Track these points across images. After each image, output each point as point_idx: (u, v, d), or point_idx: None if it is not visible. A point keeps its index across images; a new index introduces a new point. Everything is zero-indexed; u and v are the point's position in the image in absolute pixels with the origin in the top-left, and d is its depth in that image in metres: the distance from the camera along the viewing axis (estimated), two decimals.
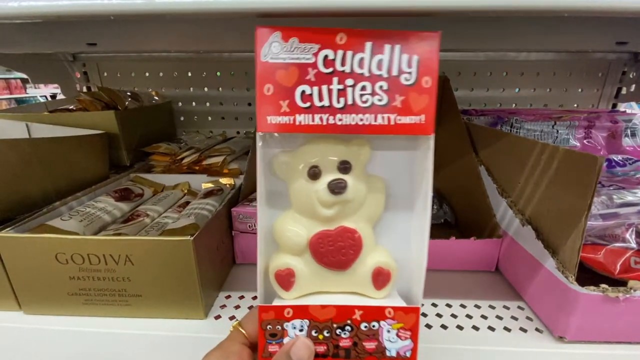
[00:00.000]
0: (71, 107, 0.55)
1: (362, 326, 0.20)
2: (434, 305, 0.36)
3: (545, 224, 0.33)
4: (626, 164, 0.52)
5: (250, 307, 0.36)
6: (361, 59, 0.18)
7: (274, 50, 0.18)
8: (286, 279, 0.22)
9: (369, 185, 0.21)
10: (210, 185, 0.51)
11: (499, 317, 0.34)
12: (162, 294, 0.33)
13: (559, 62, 0.66)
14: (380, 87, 0.19)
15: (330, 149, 0.21)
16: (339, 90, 0.18)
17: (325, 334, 0.20)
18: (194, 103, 0.74)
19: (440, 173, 0.62)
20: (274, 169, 0.21)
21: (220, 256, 0.38)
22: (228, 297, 0.37)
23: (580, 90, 0.68)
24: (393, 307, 0.20)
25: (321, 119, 0.18)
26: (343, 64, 0.18)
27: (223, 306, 0.36)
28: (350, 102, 0.19)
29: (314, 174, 0.20)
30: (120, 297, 0.33)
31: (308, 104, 0.18)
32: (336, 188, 0.20)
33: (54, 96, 0.88)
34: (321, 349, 0.20)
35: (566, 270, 0.30)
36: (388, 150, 0.21)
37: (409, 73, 0.19)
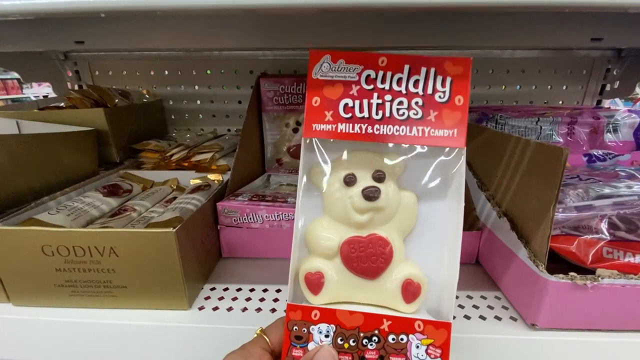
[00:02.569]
0: (61, 104, 0.56)
1: (390, 338, 0.20)
2: None
3: (519, 216, 0.34)
4: (606, 158, 0.53)
5: (234, 299, 0.37)
6: (399, 79, 0.20)
7: (324, 69, 0.21)
8: (316, 282, 0.22)
9: (401, 199, 0.22)
10: (198, 181, 0.52)
11: (476, 307, 0.35)
12: (146, 286, 0.34)
13: (543, 60, 0.67)
14: (416, 102, 0.20)
15: (365, 160, 0.22)
16: (378, 104, 0.20)
17: (352, 342, 0.20)
18: (184, 101, 0.75)
19: None
20: (311, 177, 0.22)
21: (205, 249, 0.39)
22: (213, 289, 0.38)
23: (565, 87, 0.69)
24: (423, 320, 0.20)
25: (360, 128, 0.20)
26: (383, 82, 0.20)
27: (207, 297, 0.37)
28: (387, 114, 0.20)
29: (349, 180, 0.21)
30: (105, 289, 0.34)
31: (349, 115, 0.20)
32: (370, 194, 0.21)
33: (47, 96, 0.88)
34: (346, 359, 0.20)
35: (537, 259, 0.31)
36: (420, 165, 0.22)
37: (443, 92, 0.20)
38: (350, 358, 0.20)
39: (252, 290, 0.38)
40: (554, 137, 0.60)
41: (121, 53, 0.70)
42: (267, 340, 0.22)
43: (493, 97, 0.70)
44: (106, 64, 0.72)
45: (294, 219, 0.39)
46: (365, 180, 0.21)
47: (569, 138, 0.60)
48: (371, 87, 0.20)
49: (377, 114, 0.20)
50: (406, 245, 0.22)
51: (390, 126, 0.20)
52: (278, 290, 0.38)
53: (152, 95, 0.72)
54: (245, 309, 0.35)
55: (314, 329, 0.20)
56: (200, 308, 0.35)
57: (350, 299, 0.22)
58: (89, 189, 0.47)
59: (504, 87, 0.70)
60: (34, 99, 0.95)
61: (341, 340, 0.20)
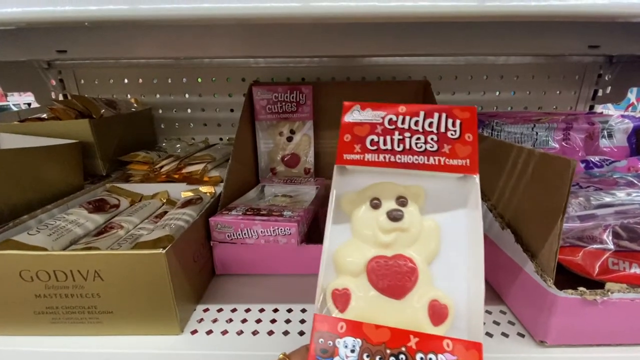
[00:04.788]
0: (43, 116, 0.53)
1: (418, 357, 0.19)
2: None
3: (524, 228, 0.33)
4: (603, 164, 0.53)
5: (229, 321, 0.35)
6: (416, 121, 0.24)
7: (354, 115, 0.25)
8: (342, 298, 0.22)
9: (424, 226, 0.23)
10: (189, 194, 0.50)
11: None
12: (134, 310, 0.32)
13: (536, 66, 0.67)
14: (432, 138, 0.23)
15: (389, 188, 0.24)
16: (399, 139, 0.24)
17: (377, 359, 0.19)
18: (174, 110, 0.73)
19: None
20: (341, 204, 0.25)
21: (197, 268, 0.37)
22: (206, 310, 0.36)
23: (558, 92, 0.69)
24: (452, 339, 0.19)
25: (384, 157, 0.23)
26: (402, 123, 0.24)
27: (200, 320, 0.35)
28: (407, 147, 0.23)
29: (375, 205, 0.24)
30: (90, 315, 0.32)
31: (375, 147, 0.24)
32: (394, 215, 0.23)
33: (30, 105, 0.85)
34: None
35: (544, 273, 0.30)
36: (439, 192, 0.24)
37: (454, 130, 0.23)
38: None
39: (247, 310, 0.36)
40: (549, 143, 0.60)
41: (107, 61, 0.68)
42: None
43: (488, 103, 0.70)
44: (92, 72, 0.69)
45: (291, 234, 0.38)
46: (389, 204, 0.24)
47: (564, 144, 0.60)
48: (393, 127, 0.24)
49: (398, 146, 0.23)
50: (432, 271, 0.23)
51: (410, 156, 0.23)
52: (275, 310, 0.36)
53: (140, 104, 0.70)
54: (241, 332, 0.33)
55: (340, 343, 0.20)
56: (193, 332, 0.33)
57: (376, 320, 0.21)
58: (72, 205, 0.45)
59: (498, 92, 0.70)
60: (14, 107, 0.91)
61: (367, 356, 0.20)
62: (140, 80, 0.71)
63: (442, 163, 0.23)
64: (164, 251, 0.29)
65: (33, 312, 0.31)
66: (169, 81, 0.70)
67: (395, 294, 0.22)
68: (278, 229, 0.39)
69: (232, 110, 0.73)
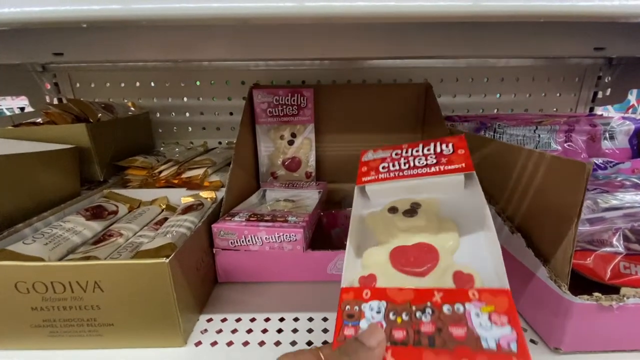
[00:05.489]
0: (38, 120, 0.52)
1: (445, 309, 0.18)
2: None
3: (535, 232, 0.33)
4: (607, 166, 0.53)
5: (234, 331, 0.33)
6: (417, 150, 0.30)
7: (369, 155, 0.32)
8: (368, 280, 0.23)
9: (442, 225, 0.26)
10: (190, 199, 0.49)
11: None
12: (136, 322, 0.30)
13: (537, 68, 0.67)
14: (430, 156, 0.28)
15: (405, 199, 0.28)
16: (404, 162, 0.29)
17: (404, 317, 0.19)
18: (173, 113, 0.72)
19: None
20: (366, 222, 0.28)
21: (200, 276, 0.36)
22: (209, 320, 0.35)
23: (558, 94, 0.69)
24: (478, 289, 0.19)
25: (394, 173, 0.28)
26: (406, 153, 0.30)
27: (204, 331, 0.33)
28: (412, 165, 0.28)
29: (393, 209, 0.28)
30: (89, 327, 0.30)
31: (386, 170, 0.29)
32: (408, 213, 0.27)
33: (23, 109, 0.83)
34: (400, 334, 0.18)
35: (558, 279, 0.29)
36: (449, 197, 0.28)
37: (448, 149, 0.28)
38: (404, 333, 0.18)
39: (252, 320, 0.35)
40: (552, 145, 0.60)
41: (104, 64, 0.67)
42: (322, 355, 0.20)
43: (489, 106, 0.70)
44: (88, 75, 0.68)
45: (296, 240, 0.37)
46: (405, 208, 0.28)
47: (566, 146, 0.60)
48: (398, 156, 0.30)
49: (404, 165, 0.28)
50: (454, 256, 0.24)
51: (415, 170, 0.28)
52: (281, 319, 0.35)
53: (137, 108, 0.69)
54: (246, 343, 0.32)
55: (365, 307, 0.20)
56: (197, 344, 0.32)
57: None
58: (69, 212, 0.43)
59: (499, 95, 0.70)
60: (6, 112, 0.90)
61: (393, 315, 0.19)
62: (138, 84, 0.69)
63: (442, 169, 0.27)
64: (167, 261, 0.28)
65: (30, 326, 0.30)
66: (167, 84, 0.69)
67: (419, 273, 0.22)
68: (283, 235, 0.38)
69: (231, 114, 0.72)
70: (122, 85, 0.69)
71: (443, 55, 0.63)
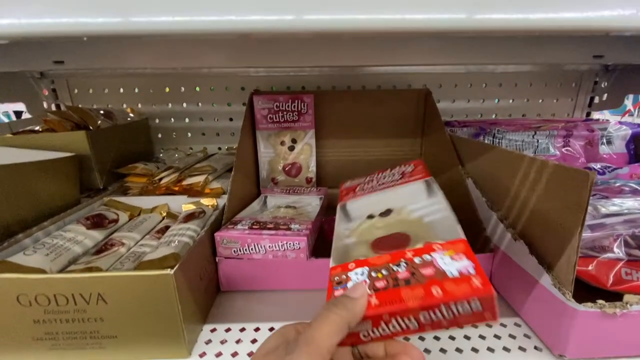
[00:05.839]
0: (37, 127, 0.51)
1: (416, 260, 0.23)
2: None
3: (538, 239, 0.33)
4: (605, 172, 0.53)
5: (238, 342, 0.33)
6: (385, 174, 0.38)
7: (347, 184, 0.41)
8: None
9: (411, 219, 0.30)
10: (191, 206, 0.49)
11: (497, 337, 0.33)
12: (140, 334, 0.30)
13: (534, 74, 0.68)
14: (396, 174, 0.37)
15: (379, 208, 0.33)
16: (376, 182, 0.37)
17: (384, 272, 0.23)
18: (172, 119, 0.72)
19: None
20: (352, 235, 0.32)
21: (203, 286, 0.36)
22: (213, 330, 0.35)
23: (555, 100, 0.70)
24: (440, 243, 0.23)
25: (368, 190, 0.36)
26: (377, 175, 0.39)
27: (208, 342, 0.33)
28: (382, 182, 0.36)
29: (371, 216, 0.32)
30: (92, 340, 0.30)
31: (361, 189, 0.37)
32: (383, 214, 0.31)
33: (18, 114, 0.82)
34: (381, 283, 0.22)
35: (562, 286, 0.29)
36: (416, 197, 0.33)
37: (410, 167, 0.37)
38: (385, 282, 0.22)
39: (257, 329, 0.35)
40: (550, 150, 0.60)
41: (102, 70, 0.66)
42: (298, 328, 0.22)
43: (487, 111, 0.71)
44: (86, 81, 0.68)
45: (300, 248, 0.37)
46: (380, 212, 0.32)
47: (564, 151, 0.60)
48: (371, 179, 0.38)
49: (376, 183, 0.36)
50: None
51: (384, 185, 0.34)
52: None
53: (136, 114, 0.68)
54: (251, 353, 0.32)
55: (351, 273, 0.24)
56: (202, 355, 0.32)
57: None
58: (69, 221, 0.43)
59: (497, 100, 0.70)
60: (2, 117, 0.89)
61: (374, 273, 0.23)
62: (136, 90, 0.69)
63: (407, 180, 0.34)
64: (172, 272, 0.28)
65: (31, 339, 0.30)
66: (167, 90, 0.69)
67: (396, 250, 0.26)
68: (287, 243, 0.38)
69: (231, 120, 0.71)
70: (121, 91, 0.69)
71: (442, 63, 0.64)
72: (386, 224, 0.29)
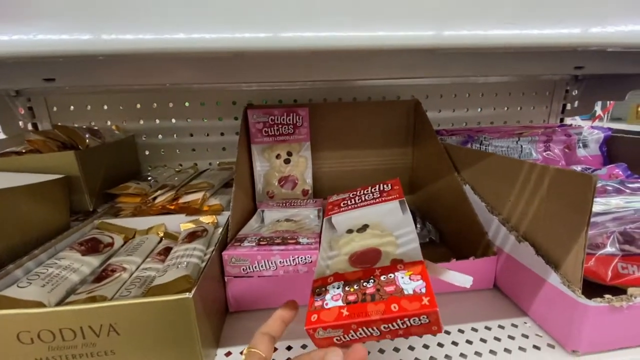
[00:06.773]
0: (20, 149, 0.48)
1: (382, 277, 0.27)
2: (447, 332, 0.35)
3: (544, 240, 0.35)
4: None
5: None
6: (365, 191, 0.41)
7: (333, 198, 0.44)
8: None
9: (384, 235, 0.33)
10: (190, 225, 0.47)
11: (511, 337, 0.34)
12: None
13: (512, 84, 0.72)
14: (375, 192, 0.40)
15: (357, 223, 0.36)
16: (357, 198, 0.40)
17: (355, 287, 0.27)
18: (160, 135, 0.69)
19: (421, 193, 0.63)
20: (332, 246, 0.35)
21: (215, 308, 0.35)
22: (228, 354, 0.33)
23: (532, 107, 0.75)
24: (403, 263, 0.28)
25: (350, 207, 0.39)
26: (360, 193, 0.41)
27: None
28: (363, 200, 0.39)
29: (350, 231, 0.36)
30: None
31: (345, 205, 0.40)
32: (361, 230, 0.35)
33: None
34: (352, 297, 0.26)
35: (571, 284, 0.31)
36: (389, 215, 0.36)
37: (388, 187, 0.40)
38: (356, 296, 0.26)
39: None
40: (533, 154, 0.64)
41: (84, 86, 0.63)
42: (259, 352, 0.25)
43: (471, 119, 0.74)
44: (66, 98, 0.64)
45: (311, 262, 0.37)
46: (357, 228, 0.36)
47: (545, 155, 0.64)
48: (354, 195, 0.41)
49: (358, 200, 0.39)
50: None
51: (364, 202, 0.38)
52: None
53: (122, 131, 0.66)
54: None
55: (329, 287, 0.28)
56: None
57: None
58: (61, 247, 0.40)
59: (480, 109, 0.74)
60: None
61: (348, 287, 0.27)
62: (121, 107, 0.67)
63: (382, 199, 0.37)
64: (191, 295, 0.27)
65: None
66: (154, 106, 0.67)
67: (368, 266, 0.29)
68: (298, 257, 0.37)
69: (222, 134, 0.70)
70: (105, 108, 0.66)
71: (427, 76, 0.66)
72: (362, 239, 0.34)
